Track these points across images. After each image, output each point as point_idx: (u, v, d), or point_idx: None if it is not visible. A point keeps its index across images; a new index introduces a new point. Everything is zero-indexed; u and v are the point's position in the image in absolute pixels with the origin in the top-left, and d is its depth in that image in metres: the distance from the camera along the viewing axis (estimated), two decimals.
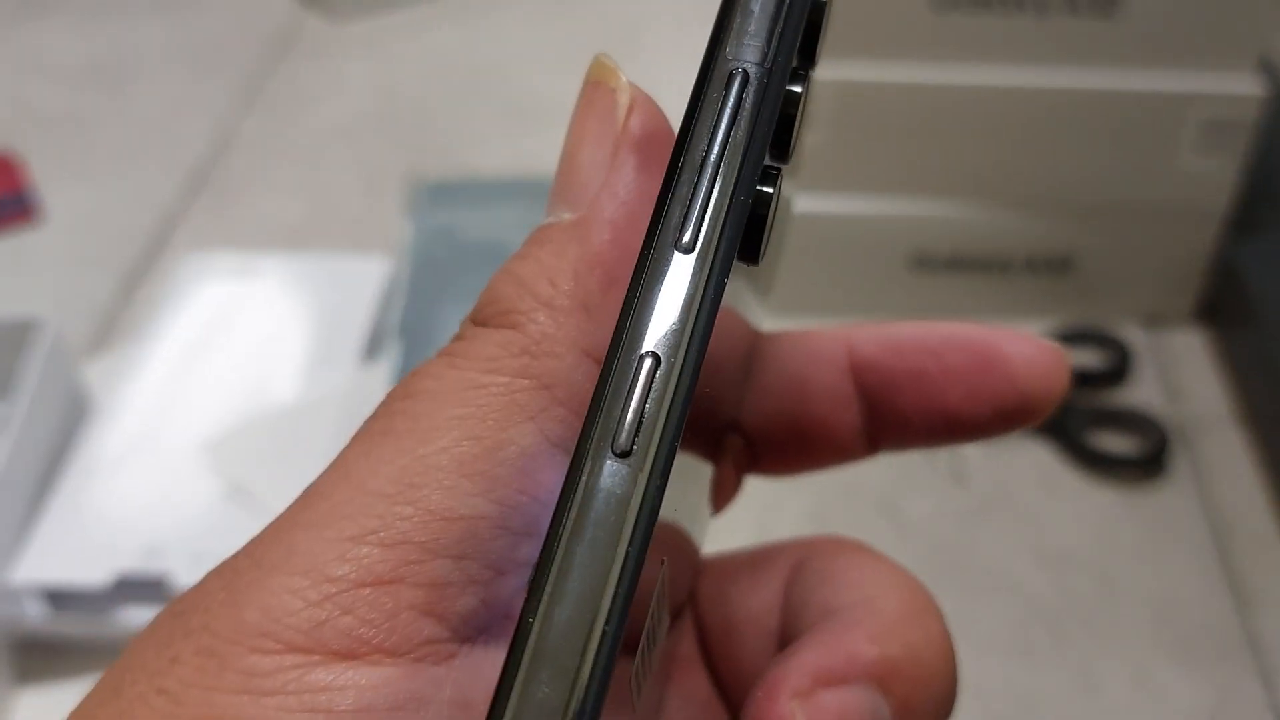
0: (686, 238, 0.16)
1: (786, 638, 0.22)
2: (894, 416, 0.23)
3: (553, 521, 0.15)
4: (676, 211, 0.16)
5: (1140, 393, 0.73)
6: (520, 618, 0.14)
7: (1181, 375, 0.74)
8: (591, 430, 0.15)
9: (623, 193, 0.19)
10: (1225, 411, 0.72)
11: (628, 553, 0.14)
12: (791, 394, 0.23)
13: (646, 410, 0.15)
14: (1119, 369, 0.72)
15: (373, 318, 0.72)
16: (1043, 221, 0.73)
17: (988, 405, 0.22)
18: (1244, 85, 0.66)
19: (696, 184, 0.16)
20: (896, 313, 0.77)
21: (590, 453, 0.15)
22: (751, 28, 0.16)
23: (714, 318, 0.16)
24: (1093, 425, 0.69)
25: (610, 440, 0.15)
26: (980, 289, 0.76)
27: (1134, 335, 0.75)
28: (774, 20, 0.16)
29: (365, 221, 0.86)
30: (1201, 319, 0.77)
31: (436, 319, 0.77)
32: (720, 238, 0.16)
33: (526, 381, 0.18)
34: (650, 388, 0.15)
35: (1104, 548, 0.64)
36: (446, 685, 0.17)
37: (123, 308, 0.78)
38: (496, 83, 1.01)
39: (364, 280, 0.74)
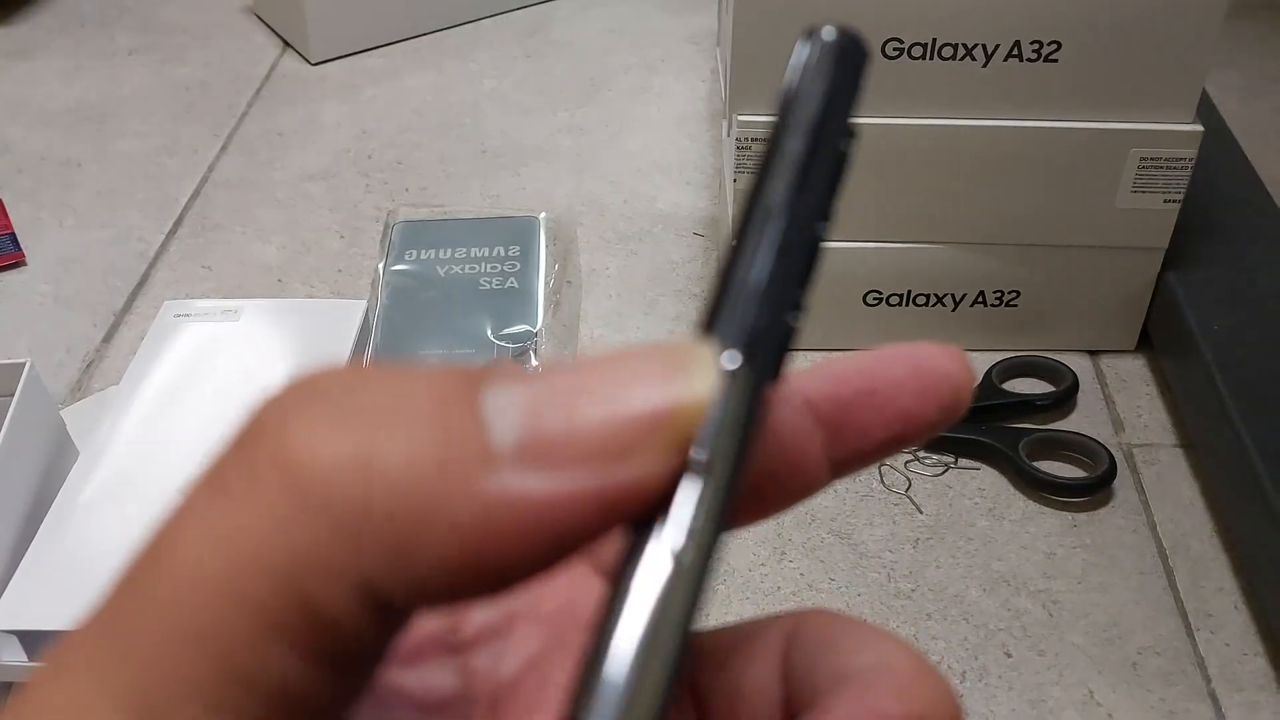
0: (737, 364, 0.16)
1: (794, 703, 0.23)
2: (855, 431, 0.24)
3: (606, 612, 0.15)
4: (730, 321, 0.16)
5: (1086, 420, 0.75)
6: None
7: (1126, 403, 0.77)
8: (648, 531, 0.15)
9: (574, 503, 0.14)
10: (1169, 437, 0.75)
11: (678, 649, 0.15)
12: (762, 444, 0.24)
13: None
14: (1065, 397, 0.75)
15: (350, 359, 0.74)
16: (991, 258, 0.76)
17: (933, 401, 0.23)
18: (1182, 122, 0.69)
19: (747, 309, 0.16)
20: (853, 345, 0.80)
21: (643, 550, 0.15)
22: (790, 175, 0.17)
23: (757, 432, 0.16)
24: (1040, 452, 0.72)
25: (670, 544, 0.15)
26: (932, 323, 0.78)
27: (1080, 365, 0.78)
28: (808, 171, 0.17)
29: (342, 259, 0.88)
30: (1144, 348, 0.80)
31: (407, 356, 0.79)
32: (772, 350, 0.17)
33: (287, 605, 0.14)
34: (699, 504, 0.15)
35: (1053, 572, 0.67)
36: None
37: (104, 351, 0.80)
38: (469, 124, 1.03)
39: (342, 322, 0.76)
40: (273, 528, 0.14)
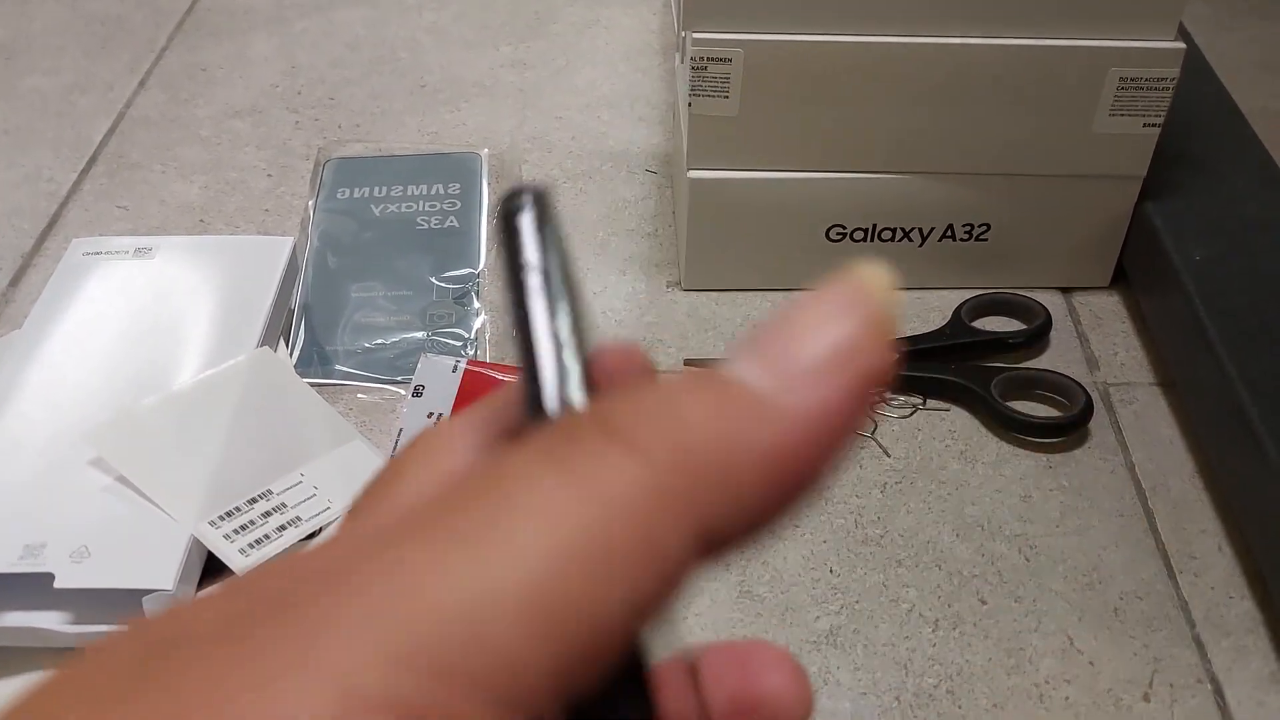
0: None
1: None
2: None
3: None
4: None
5: (1059, 359, 0.72)
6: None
7: (1101, 341, 0.73)
8: None
9: (839, 405, 0.17)
10: (1146, 376, 0.71)
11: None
12: None
13: None
14: (1037, 335, 0.72)
15: (276, 298, 0.69)
16: (960, 189, 0.72)
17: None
18: (1164, 40, 0.65)
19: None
20: (817, 283, 0.76)
21: None
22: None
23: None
24: (1013, 392, 0.68)
25: None
26: (898, 258, 0.74)
27: (1052, 302, 0.75)
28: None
29: (269, 199, 0.83)
30: (1118, 286, 0.77)
31: (341, 297, 0.74)
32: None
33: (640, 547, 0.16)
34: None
35: (1029, 516, 0.63)
36: None
37: (10, 295, 0.74)
38: (405, 59, 0.97)
39: (267, 260, 0.71)
40: (626, 484, 0.16)
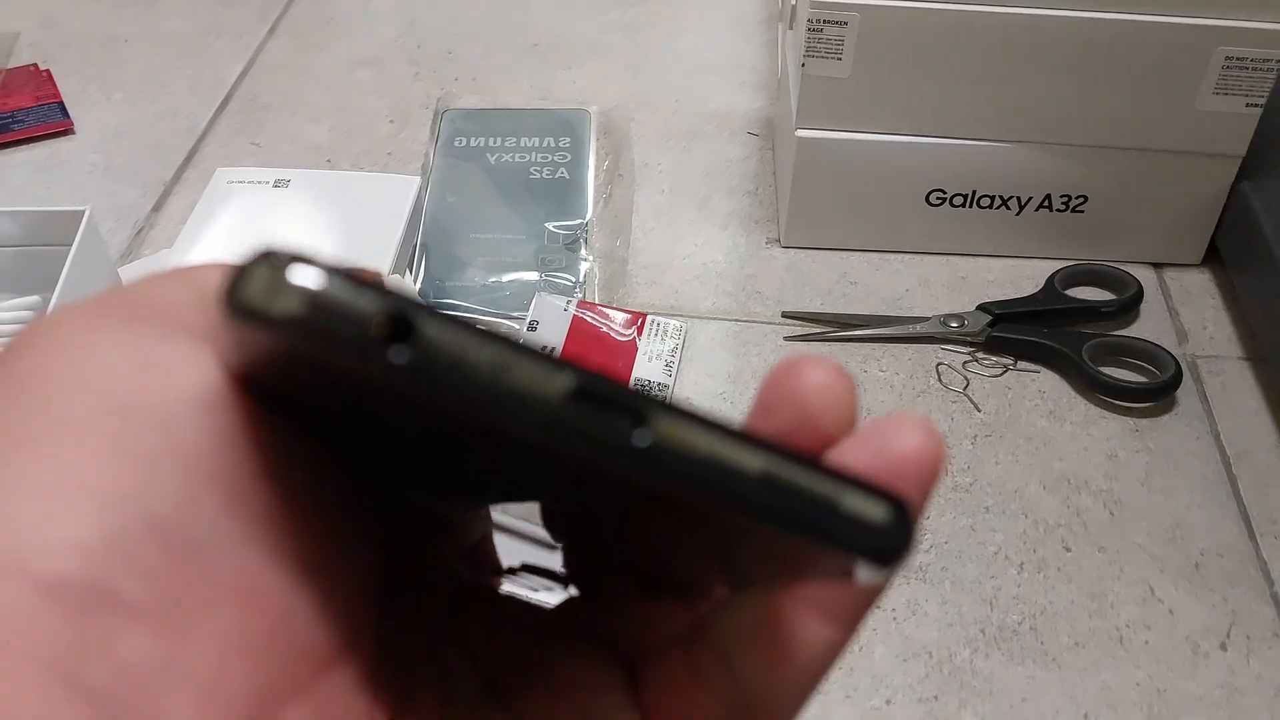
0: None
1: None
2: None
3: None
4: None
5: (1149, 331, 0.74)
6: None
7: (1190, 315, 0.76)
8: None
9: None
10: (1235, 350, 0.73)
11: None
12: None
13: None
14: (1129, 306, 0.74)
15: (405, 232, 0.73)
16: (1061, 160, 0.74)
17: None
18: (1273, 20, 0.67)
19: None
20: (914, 248, 0.79)
21: None
22: None
23: None
24: (1103, 357, 0.71)
25: None
26: (996, 225, 0.77)
27: (1143, 276, 0.77)
28: None
29: (391, 144, 0.87)
30: (1209, 263, 0.79)
31: (459, 237, 0.78)
32: None
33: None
34: None
35: (1114, 474, 0.66)
36: None
37: (153, 219, 0.79)
38: (518, 20, 1.01)
39: (396, 196, 0.75)
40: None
